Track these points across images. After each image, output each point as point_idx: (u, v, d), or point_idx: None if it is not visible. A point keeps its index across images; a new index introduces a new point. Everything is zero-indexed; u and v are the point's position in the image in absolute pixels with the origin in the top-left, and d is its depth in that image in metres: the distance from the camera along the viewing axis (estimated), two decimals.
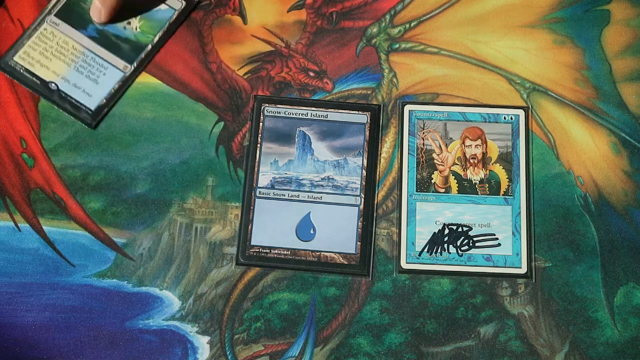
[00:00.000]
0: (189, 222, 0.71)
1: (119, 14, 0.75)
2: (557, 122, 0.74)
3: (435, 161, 0.72)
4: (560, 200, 0.71)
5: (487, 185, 0.71)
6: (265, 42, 0.76)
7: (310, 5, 0.77)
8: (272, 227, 0.70)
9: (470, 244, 0.70)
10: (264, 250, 0.70)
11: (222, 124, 0.74)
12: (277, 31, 0.76)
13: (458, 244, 0.70)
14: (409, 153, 0.72)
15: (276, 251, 0.70)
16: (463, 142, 0.72)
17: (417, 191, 0.71)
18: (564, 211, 0.71)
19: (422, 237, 0.70)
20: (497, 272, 0.69)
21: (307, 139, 0.72)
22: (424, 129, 0.72)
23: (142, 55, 0.74)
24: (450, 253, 0.69)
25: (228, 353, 0.69)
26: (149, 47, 0.73)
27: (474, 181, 0.71)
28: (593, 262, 0.70)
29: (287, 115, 0.73)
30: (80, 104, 0.71)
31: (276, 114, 0.73)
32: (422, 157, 0.72)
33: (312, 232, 0.70)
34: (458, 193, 0.71)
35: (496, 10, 0.76)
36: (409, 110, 0.73)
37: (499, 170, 0.71)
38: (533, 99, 0.74)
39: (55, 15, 0.72)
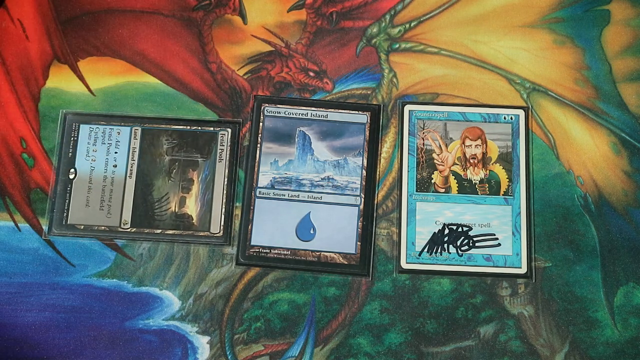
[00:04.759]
0: None
1: None
2: (557, 122, 0.74)
3: (435, 161, 0.72)
4: (560, 200, 0.71)
5: (487, 185, 0.71)
6: (265, 42, 0.76)
7: (310, 5, 0.77)
8: (272, 227, 0.70)
9: (470, 244, 0.70)
10: (264, 250, 0.70)
11: None
12: (277, 31, 0.76)
13: (458, 244, 0.70)
14: (409, 153, 0.72)
15: (276, 251, 0.70)
16: (463, 142, 0.72)
17: (417, 191, 0.71)
18: (564, 211, 0.71)
19: (422, 237, 0.70)
20: (497, 272, 0.69)
21: (307, 139, 0.72)
22: (424, 129, 0.72)
23: None
24: (450, 253, 0.69)
25: (228, 353, 0.69)
26: None
27: (474, 181, 0.71)
28: (593, 262, 0.70)
29: (287, 115, 0.73)
30: None
31: (276, 114, 0.73)
32: (422, 157, 0.72)
33: (312, 232, 0.70)
34: (458, 193, 0.71)
35: (496, 10, 0.76)
36: (409, 110, 0.73)
37: (499, 170, 0.71)
38: (533, 99, 0.74)
39: None
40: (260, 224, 0.70)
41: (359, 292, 0.70)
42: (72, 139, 0.71)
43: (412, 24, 0.76)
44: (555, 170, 0.72)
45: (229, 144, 0.72)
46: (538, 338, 0.69)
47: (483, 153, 0.72)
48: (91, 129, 0.72)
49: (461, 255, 0.69)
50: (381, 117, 0.73)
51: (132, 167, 0.71)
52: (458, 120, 0.73)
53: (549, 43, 0.75)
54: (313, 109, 0.73)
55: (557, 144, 0.73)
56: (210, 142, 0.72)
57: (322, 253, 0.69)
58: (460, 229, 0.70)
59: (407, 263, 0.69)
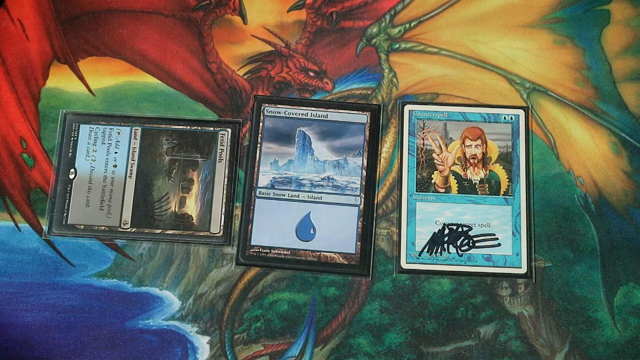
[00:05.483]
0: None
1: None
2: (557, 122, 0.74)
3: (435, 161, 0.72)
4: (560, 200, 0.71)
5: (487, 185, 0.71)
6: (265, 42, 0.76)
7: (310, 5, 0.77)
8: (272, 227, 0.70)
9: (470, 244, 0.70)
10: (264, 250, 0.70)
11: None
12: (277, 31, 0.76)
13: (458, 244, 0.70)
14: (409, 153, 0.72)
15: (276, 251, 0.70)
16: (463, 142, 0.72)
17: (417, 191, 0.71)
18: (564, 211, 0.71)
19: (422, 237, 0.70)
20: (497, 272, 0.69)
21: (307, 139, 0.72)
22: (424, 129, 0.72)
23: None
24: (450, 253, 0.69)
25: (228, 353, 0.69)
26: None
27: (474, 181, 0.71)
28: (593, 262, 0.70)
29: (287, 115, 0.73)
30: None
31: (276, 114, 0.73)
32: (422, 157, 0.72)
33: (312, 232, 0.70)
34: (458, 193, 0.71)
35: (496, 10, 0.76)
36: (409, 110, 0.73)
37: (499, 170, 0.71)
38: (533, 99, 0.74)
39: None
40: (260, 224, 0.70)
41: (359, 292, 0.70)
42: (72, 139, 0.72)
43: (412, 24, 0.76)
44: (555, 170, 0.72)
45: (229, 144, 0.72)
46: (538, 338, 0.69)
47: (483, 153, 0.72)
48: (91, 129, 0.72)
49: (461, 255, 0.69)
50: (381, 117, 0.73)
51: (132, 167, 0.71)
52: (458, 120, 0.73)
53: (549, 43, 0.75)
54: (313, 109, 0.73)
55: (557, 144, 0.73)
56: (210, 142, 0.72)
57: (322, 253, 0.69)
58: (460, 229, 0.70)
59: (407, 263, 0.69)
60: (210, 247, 0.70)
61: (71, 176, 0.70)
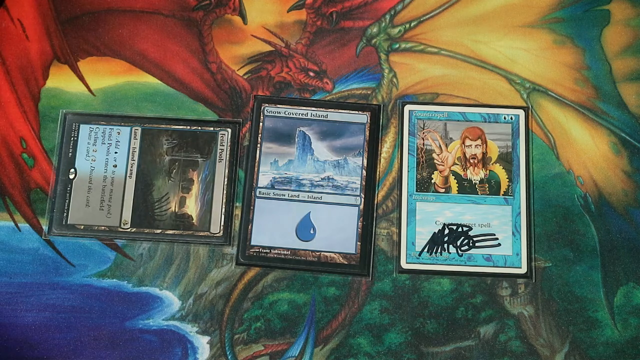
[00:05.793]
0: None
1: None
2: (557, 122, 0.74)
3: (435, 161, 0.72)
4: (560, 200, 0.71)
5: (487, 185, 0.71)
6: (265, 42, 0.76)
7: (310, 5, 0.77)
8: (272, 227, 0.70)
9: (470, 244, 0.70)
10: (264, 250, 0.70)
11: None
12: (277, 31, 0.76)
13: (458, 244, 0.70)
14: (409, 153, 0.72)
15: (276, 251, 0.70)
16: (463, 142, 0.72)
17: (417, 191, 0.71)
18: (564, 211, 0.71)
19: (422, 237, 0.70)
20: (497, 272, 0.69)
21: (307, 139, 0.72)
22: (424, 129, 0.72)
23: None
24: (450, 253, 0.69)
25: (228, 353, 0.69)
26: None
27: (474, 181, 0.71)
28: (593, 262, 0.70)
29: (287, 115, 0.73)
30: None
31: (276, 114, 0.73)
32: (422, 157, 0.72)
33: (312, 232, 0.70)
34: (458, 193, 0.71)
35: (496, 10, 0.76)
36: (409, 110, 0.73)
37: (499, 170, 0.71)
38: (533, 99, 0.74)
39: None
40: (260, 224, 0.70)
41: (359, 292, 0.70)
42: (72, 139, 0.72)
43: (412, 24, 0.76)
44: (555, 170, 0.72)
45: (229, 144, 0.72)
46: (538, 338, 0.69)
47: (483, 153, 0.72)
48: (91, 129, 0.72)
49: (461, 255, 0.69)
50: (381, 117, 0.73)
51: (132, 167, 0.71)
52: (458, 120, 0.73)
53: (549, 43, 0.75)
54: (313, 109, 0.73)
55: (557, 144, 0.73)
56: (210, 142, 0.72)
57: (322, 253, 0.69)
58: (460, 229, 0.70)
59: (407, 263, 0.69)
60: (210, 247, 0.70)
61: (71, 176, 0.70)
